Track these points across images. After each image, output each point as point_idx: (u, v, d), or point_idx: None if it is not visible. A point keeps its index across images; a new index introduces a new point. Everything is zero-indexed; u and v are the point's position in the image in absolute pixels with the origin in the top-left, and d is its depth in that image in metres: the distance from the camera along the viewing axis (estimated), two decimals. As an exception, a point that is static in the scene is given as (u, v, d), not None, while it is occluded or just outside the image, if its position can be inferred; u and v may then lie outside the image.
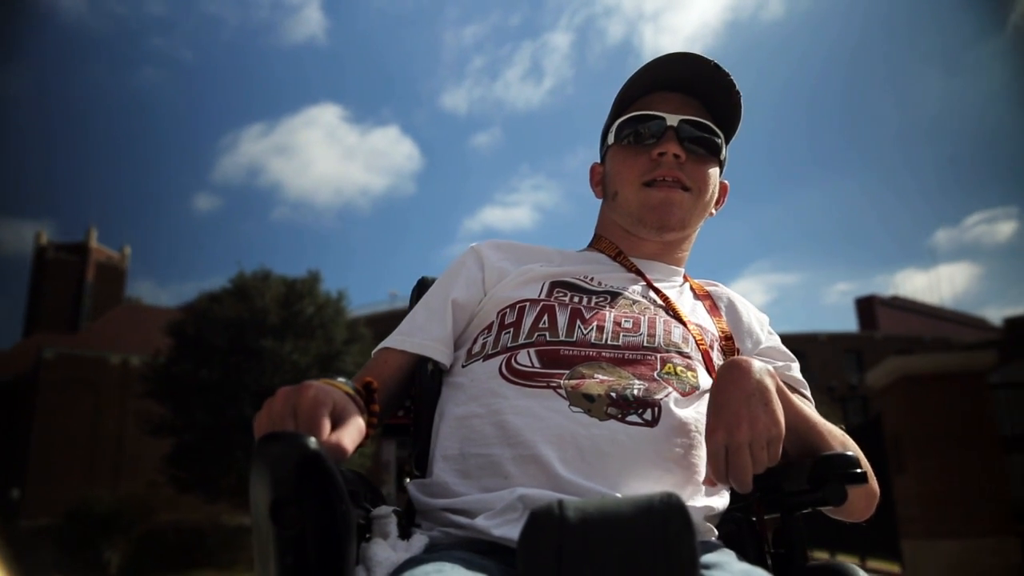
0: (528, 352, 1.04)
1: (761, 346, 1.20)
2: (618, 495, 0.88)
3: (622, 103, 1.24)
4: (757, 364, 0.94)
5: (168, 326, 17.77)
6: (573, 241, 1.32)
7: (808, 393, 1.16)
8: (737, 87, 1.19)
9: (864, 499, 1.02)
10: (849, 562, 0.94)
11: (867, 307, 39.24)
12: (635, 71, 1.21)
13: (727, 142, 1.23)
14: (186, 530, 17.20)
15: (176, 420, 16.65)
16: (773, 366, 1.14)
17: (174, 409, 16.68)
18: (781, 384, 0.96)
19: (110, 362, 27.34)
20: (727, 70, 1.18)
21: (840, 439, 1.02)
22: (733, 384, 0.92)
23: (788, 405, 0.97)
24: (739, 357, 0.98)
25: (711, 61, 1.18)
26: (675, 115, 1.18)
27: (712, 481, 0.93)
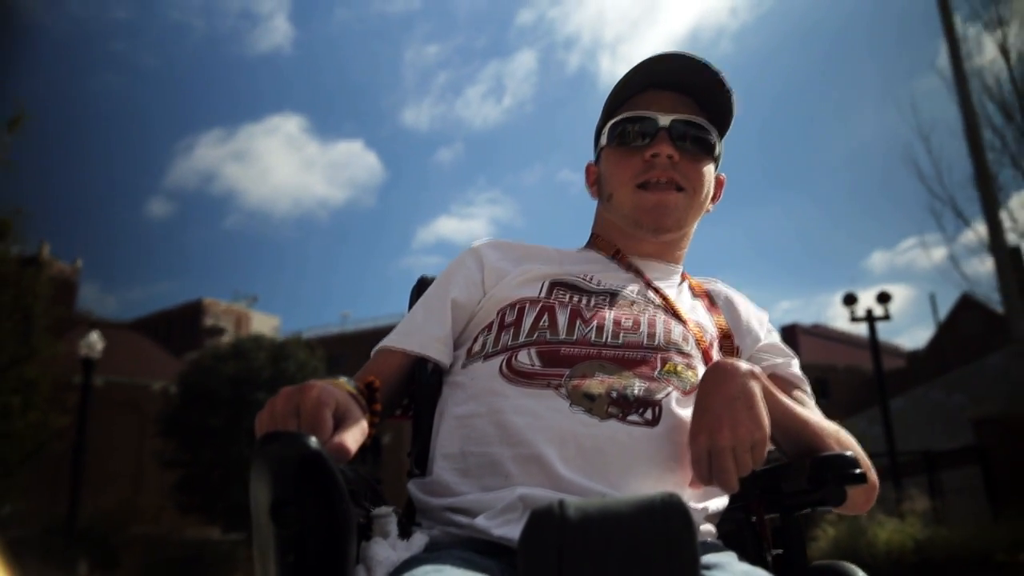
0: (528, 351, 1.04)
1: (760, 343, 1.19)
2: (619, 495, 0.88)
3: (614, 103, 1.22)
4: (743, 367, 0.94)
5: (178, 377, 21.47)
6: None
7: (808, 389, 1.16)
8: (727, 84, 1.18)
9: (864, 494, 1.02)
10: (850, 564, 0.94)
11: (790, 335, 40.33)
12: (627, 71, 1.20)
13: (722, 136, 1.22)
14: (172, 544, 18.40)
15: (184, 455, 20.07)
16: (773, 363, 1.14)
17: (182, 446, 20.05)
18: (769, 385, 0.96)
19: (73, 383, 27.69)
20: (716, 68, 1.16)
21: (835, 437, 1.02)
22: (716, 388, 0.92)
23: (777, 405, 0.97)
24: (724, 360, 0.98)
25: (700, 60, 1.17)
26: (667, 115, 1.17)
27: (697, 484, 0.93)
